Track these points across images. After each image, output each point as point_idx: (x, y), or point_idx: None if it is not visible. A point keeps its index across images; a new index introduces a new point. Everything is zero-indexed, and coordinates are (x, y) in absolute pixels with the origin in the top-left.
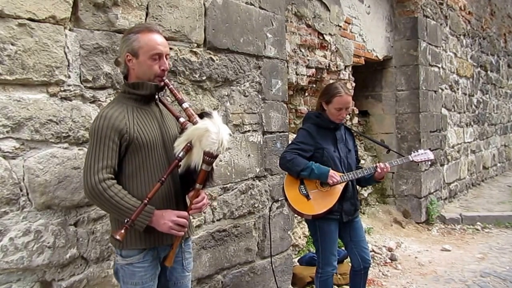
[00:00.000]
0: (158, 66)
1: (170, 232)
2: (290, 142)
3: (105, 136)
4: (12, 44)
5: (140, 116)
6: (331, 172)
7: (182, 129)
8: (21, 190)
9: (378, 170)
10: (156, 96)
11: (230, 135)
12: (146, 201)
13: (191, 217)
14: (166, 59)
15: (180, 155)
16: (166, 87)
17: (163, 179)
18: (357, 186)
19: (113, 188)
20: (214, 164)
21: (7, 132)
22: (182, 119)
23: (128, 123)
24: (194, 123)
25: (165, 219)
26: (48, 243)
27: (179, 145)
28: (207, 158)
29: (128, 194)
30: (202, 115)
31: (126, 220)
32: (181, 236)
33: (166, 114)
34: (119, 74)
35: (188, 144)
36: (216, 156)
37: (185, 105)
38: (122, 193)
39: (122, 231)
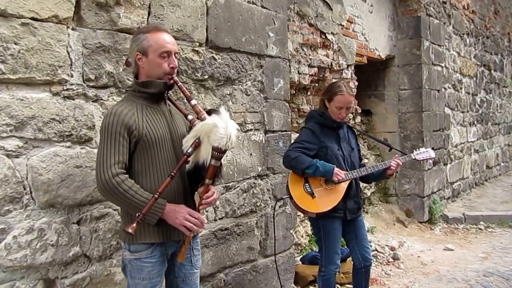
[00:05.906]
0: (167, 64)
1: (181, 227)
2: (292, 141)
3: (115, 132)
4: (15, 44)
5: (149, 114)
6: (336, 169)
7: (191, 126)
8: (24, 189)
9: (394, 165)
10: (165, 95)
11: (238, 130)
12: (156, 195)
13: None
14: (175, 57)
15: (189, 151)
16: (175, 85)
17: (173, 174)
18: (360, 184)
19: (126, 182)
20: (222, 160)
21: (11, 131)
22: (190, 116)
23: (137, 120)
24: (202, 120)
25: (177, 214)
26: (51, 241)
27: (187, 141)
28: (216, 153)
29: (141, 188)
30: (210, 112)
31: (137, 214)
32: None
33: (175, 112)
34: (121, 73)
35: (197, 140)
36: (225, 151)
37: (193, 102)
38: (135, 187)
39: (134, 225)
